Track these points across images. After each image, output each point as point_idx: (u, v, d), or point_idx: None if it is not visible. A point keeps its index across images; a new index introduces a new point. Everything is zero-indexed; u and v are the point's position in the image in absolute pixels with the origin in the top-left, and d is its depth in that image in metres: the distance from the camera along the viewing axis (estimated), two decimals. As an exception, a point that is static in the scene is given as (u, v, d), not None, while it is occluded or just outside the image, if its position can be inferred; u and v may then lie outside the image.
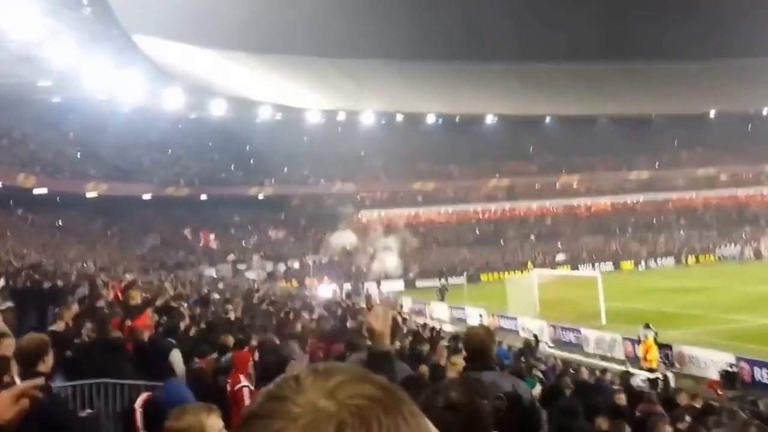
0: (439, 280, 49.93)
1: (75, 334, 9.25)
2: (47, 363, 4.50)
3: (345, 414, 0.83)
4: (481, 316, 31.34)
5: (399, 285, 51.21)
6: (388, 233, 62.35)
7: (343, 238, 44.92)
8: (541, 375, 11.73)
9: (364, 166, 65.71)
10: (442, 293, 39.29)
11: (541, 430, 3.99)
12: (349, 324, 17.81)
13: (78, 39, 33.05)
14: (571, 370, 15.50)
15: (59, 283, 17.05)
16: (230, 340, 9.25)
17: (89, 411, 6.08)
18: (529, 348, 19.18)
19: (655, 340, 20.05)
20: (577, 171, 71.10)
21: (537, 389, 9.24)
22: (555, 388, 10.06)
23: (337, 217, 56.00)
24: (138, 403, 4.30)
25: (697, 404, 11.06)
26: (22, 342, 4.61)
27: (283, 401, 0.86)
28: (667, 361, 20.17)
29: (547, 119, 71.90)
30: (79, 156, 48.90)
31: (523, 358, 16.10)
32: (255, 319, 15.49)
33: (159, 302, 15.00)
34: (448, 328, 27.20)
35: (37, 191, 39.56)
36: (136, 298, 12.60)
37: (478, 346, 3.90)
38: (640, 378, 16.47)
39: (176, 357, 9.03)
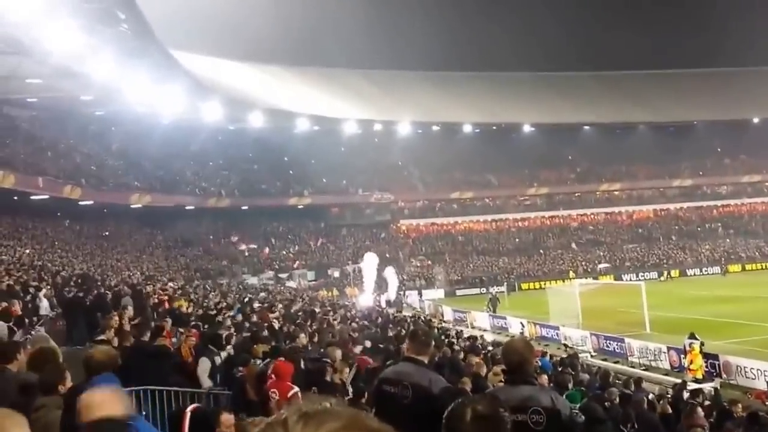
0: (487, 290, 49.73)
1: (120, 343, 9.45)
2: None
3: None
4: (522, 325, 31.11)
5: (440, 294, 51.09)
6: (426, 243, 62.39)
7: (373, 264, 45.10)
8: (583, 388, 11.57)
9: (402, 176, 65.84)
10: (493, 304, 38.08)
11: None
12: (390, 332, 17.84)
13: (117, 54, 33.78)
14: (616, 380, 15.22)
15: (106, 292, 17.41)
16: (270, 349, 9.34)
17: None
18: (572, 359, 18.90)
19: (701, 349, 19.63)
20: (618, 179, 70.19)
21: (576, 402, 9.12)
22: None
23: (376, 226, 56.19)
24: (189, 408, 4.41)
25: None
26: (94, 354, 4.63)
27: None
28: (714, 371, 19.74)
29: (585, 127, 71.13)
30: (122, 168, 49.98)
31: (566, 369, 15.88)
32: (296, 327, 15.60)
33: (201, 312, 15.25)
34: (490, 337, 26.99)
35: (83, 203, 40.49)
36: (183, 306, 12.81)
37: (516, 360, 3.81)
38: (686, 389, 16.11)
39: (203, 365, 9.15)
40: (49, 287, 16.64)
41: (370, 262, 44.97)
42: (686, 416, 9.71)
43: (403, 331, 17.39)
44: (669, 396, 13.73)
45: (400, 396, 4.05)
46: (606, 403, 10.20)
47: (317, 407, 0.85)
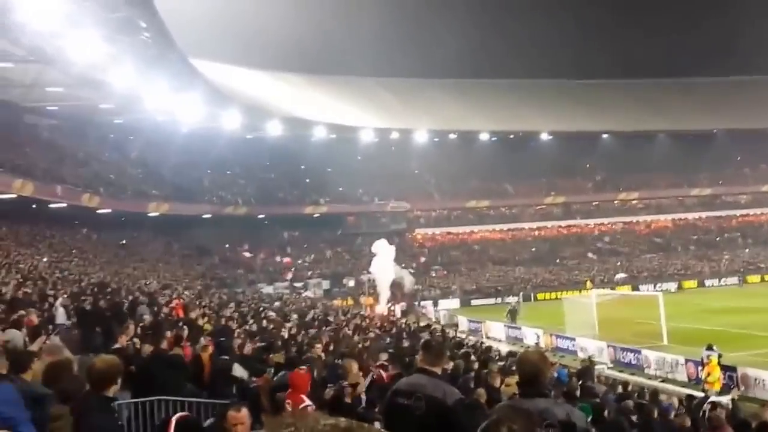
0: (503, 300, 49.64)
1: (136, 352, 9.51)
2: (117, 386, 4.44)
3: None
4: (537, 336, 30.90)
5: (455, 303, 50.90)
6: (441, 252, 62.23)
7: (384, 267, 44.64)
8: (597, 400, 11.46)
9: (418, 184, 65.79)
10: (513, 315, 37.57)
11: None
12: (404, 342, 17.80)
13: (137, 63, 34.19)
14: (634, 392, 15.07)
15: (122, 301, 17.52)
16: (285, 360, 9.35)
17: None
18: (587, 370, 18.73)
19: (718, 361, 19.39)
20: (636, 188, 69.69)
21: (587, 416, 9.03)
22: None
23: (392, 235, 56.13)
24: (175, 417, 4.39)
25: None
26: (96, 362, 4.56)
27: None
28: (731, 384, 19.48)
29: (604, 136, 70.77)
30: (141, 176, 50.38)
31: (580, 381, 15.74)
32: (310, 337, 15.62)
33: (216, 321, 15.31)
34: (504, 347, 26.83)
35: (101, 211, 40.82)
36: (197, 316, 12.86)
37: (531, 372, 3.73)
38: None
39: (238, 370, 9.20)
40: (66, 296, 16.76)
41: (381, 262, 44.40)
42: (711, 428, 9.55)
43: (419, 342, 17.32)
44: (683, 408, 13.55)
45: (414, 408, 4.02)
46: (633, 417, 10.11)
47: (341, 423, 0.87)
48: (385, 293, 43.88)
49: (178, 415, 4.48)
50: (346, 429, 0.82)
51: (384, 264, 44.08)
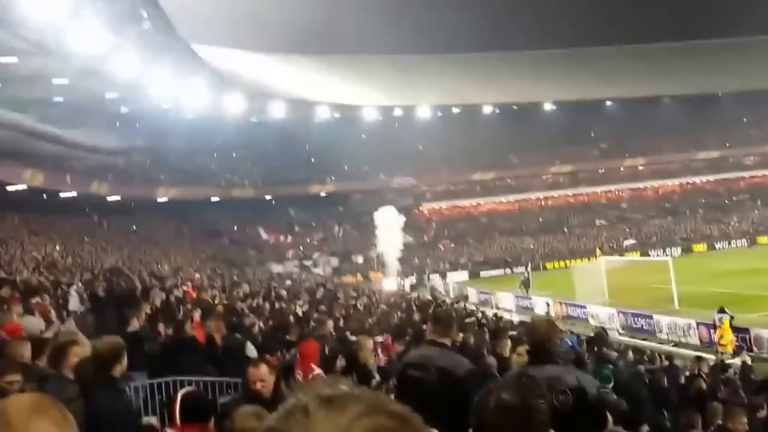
0: (512, 271, 49.72)
1: (151, 334, 9.67)
2: (123, 366, 4.53)
3: None
4: (548, 304, 31.05)
5: (463, 276, 51.11)
6: (449, 226, 62.34)
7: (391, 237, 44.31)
8: (611, 366, 11.58)
9: (423, 160, 65.68)
10: (525, 285, 36.97)
11: (608, 423, 3.90)
12: (415, 316, 17.95)
13: (140, 51, 34.26)
14: (645, 358, 15.19)
15: (135, 285, 17.72)
16: (298, 337, 9.49)
17: (151, 420, 6.31)
18: (601, 338, 18.81)
19: (730, 324, 19.47)
20: (642, 153, 69.29)
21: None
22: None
23: (399, 211, 56.23)
24: (181, 393, 4.48)
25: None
26: (97, 345, 4.66)
27: None
28: (744, 345, 19.58)
29: (608, 102, 70.30)
30: (148, 163, 50.58)
31: (595, 348, 15.84)
32: (320, 315, 15.78)
33: (228, 302, 15.47)
34: (515, 317, 27.00)
35: (110, 198, 41.09)
36: (209, 297, 13.01)
37: (540, 340, 3.80)
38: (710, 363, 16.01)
39: (251, 350, 9.35)
40: (80, 283, 16.94)
41: (388, 233, 43.80)
42: (731, 393, 9.63)
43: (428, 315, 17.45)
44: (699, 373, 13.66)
45: (426, 380, 4.05)
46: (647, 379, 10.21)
47: (338, 391, 0.85)
48: (393, 265, 43.83)
49: (184, 390, 4.58)
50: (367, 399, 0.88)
51: (390, 235, 43.79)
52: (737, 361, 17.04)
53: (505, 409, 1.96)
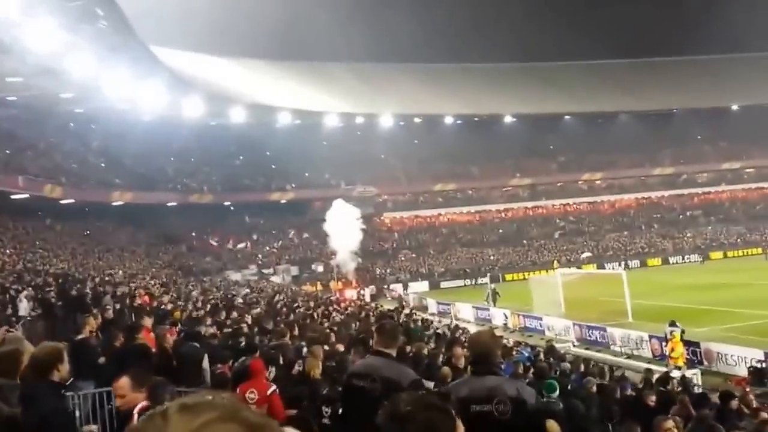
0: (475, 283, 49.87)
1: (101, 342, 9.41)
2: (62, 371, 4.39)
3: None
4: (506, 316, 31.27)
5: (424, 286, 51.22)
6: (409, 235, 62.46)
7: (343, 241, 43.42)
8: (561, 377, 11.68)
9: (385, 169, 65.81)
10: (493, 298, 35.96)
11: None
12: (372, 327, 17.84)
13: (96, 51, 33.62)
14: (591, 368, 15.36)
15: (87, 291, 17.31)
16: (246, 346, 9.34)
17: (92, 428, 6.14)
18: (551, 349, 19.03)
19: (681, 337, 19.81)
20: (600, 168, 70.61)
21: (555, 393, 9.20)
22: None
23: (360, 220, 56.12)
24: (137, 409, 4.35)
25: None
26: (35, 350, 4.55)
27: None
28: (695, 359, 19.95)
29: (566, 117, 71.46)
30: (103, 165, 49.63)
31: (546, 360, 15.99)
32: (278, 323, 15.60)
33: (183, 309, 15.19)
34: (473, 328, 27.08)
35: (64, 201, 40.16)
36: (164, 305, 12.75)
37: (481, 350, 3.87)
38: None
39: (206, 363, 9.16)
40: (30, 289, 16.48)
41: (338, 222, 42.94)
42: (680, 406, 9.74)
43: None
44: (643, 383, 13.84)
45: (370, 389, 4.07)
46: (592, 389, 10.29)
47: (197, 399, 0.90)
48: (345, 257, 43.22)
49: (140, 405, 4.44)
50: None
51: (340, 225, 42.76)
52: (688, 373, 17.33)
53: (402, 420, 1.98)
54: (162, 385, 4.63)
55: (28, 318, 14.01)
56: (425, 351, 11.55)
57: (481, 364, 3.83)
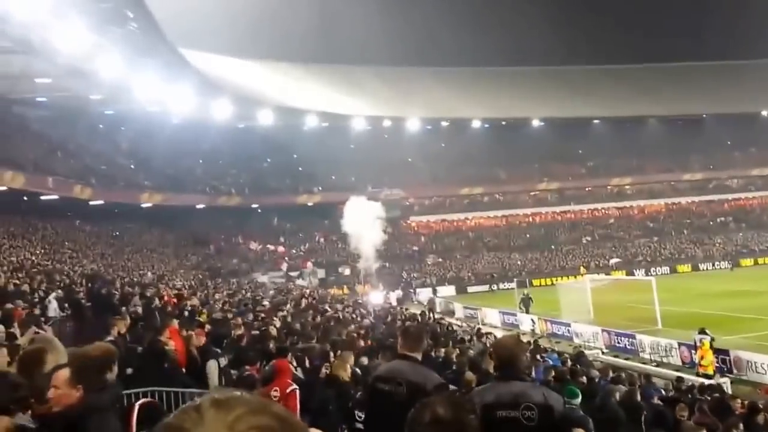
0: (497, 288, 49.50)
1: (128, 344, 9.45)
2: (113, 374, 4.34)
3: None
4: (533, 322, 30.99)
5: (450, 291, 51.01)
6: (436, 240, 62.28)
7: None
8: (584, 381, 11.49)
9: (412, 172, 65.73)
10: (526, 305, 35.13)
11: None
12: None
13: (126, 53, 34.02)
14: (622, 376, 15.11)
15: (114, 292, 17.45)
16: (276, 349, 9.32)
17: None
18: (580, 356, 18.79)
19: (711, 345, 19.47)
20: (629, 173, 69.84)
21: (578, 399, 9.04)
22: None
23: (386, 223, 56.01)
24: (139, 403, 4.32)
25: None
26: (89, 350, 4.51)
27: None
28: (724, 367, 19.58)
29: (595, 121, 70.83)
30: (132, 167, 50.17)
31: (574, 366, 15.76)
32: (304, 326, 15.61)
33: (210, 311, 15.24)
34: (500, 333, 26.89)
35: (93, 202, 40.64)
36: (191, 306, 12.80)
37: (506, 356, 3.82)
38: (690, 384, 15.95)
39: (211, 367, 9.12)
40: (59, 290, 16.63)
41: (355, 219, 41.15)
42: (700, 415, 9.58)
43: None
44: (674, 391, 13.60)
45: (395, 393, 4.07)
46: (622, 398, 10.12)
47: (228, 395, 0.94)
48: (368, 253, 42.38)
49: (141, 400, 4.42)
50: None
51: (358, 220, 40.95)
52: (699, 381, 16.98)
53: (439, 423, 2.01)
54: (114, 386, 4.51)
55: (57, 319, 14.15)
56: (453, 356, 11.45)
57: (506, 369, 3.79)
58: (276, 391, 6.51)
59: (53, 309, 14.19)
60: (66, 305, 14.92)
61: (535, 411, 3.53)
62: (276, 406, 0.96)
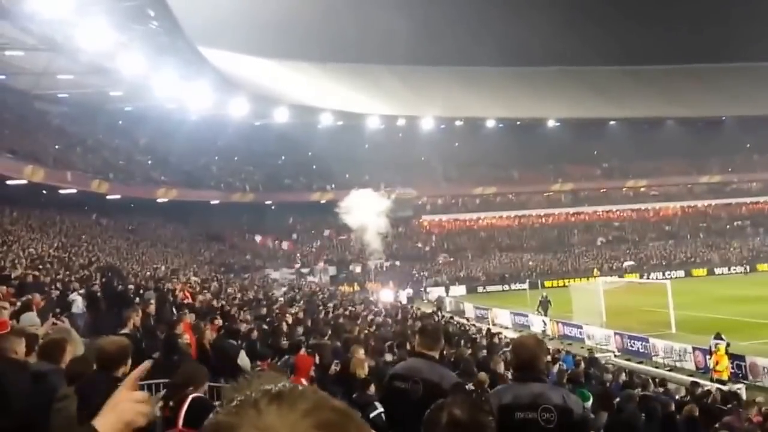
0: (507, 286, 49.29)
1: (143, 336, 9.55)
2: (127, 368, 4.37)
3: None
4: (544, 323, 30.88)
5: (461, 290, 50.93)
6: (448, 239, 62.23)
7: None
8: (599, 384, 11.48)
9: (425, 171, 65.67)
10: (544, 308, 34.05)
11: None
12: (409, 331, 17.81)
13: (147, 51, 34.34)
14: (634, 380, 15.07)
15: (131, 286, 17.61)
16: (289, 345, 9.39)
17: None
18: (592, 359, 18.73)
19: (726, 350, 19.32)
20: (645, 175, 69.33)
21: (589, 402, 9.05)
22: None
23: (398, 222, 56.01)
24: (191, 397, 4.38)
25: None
26: (103, 343, 4.59)
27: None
28: (740, 372, 19.44)
29: (611, 122, 70.37)
30: (150, 163, 50.52)
31: (590, 368, 15.72)
32: (316, 322, 15.69)
33: (223, 306, 15.33)
34: (510, 334, 26.82)
35: (110, 197, 41.00)
36: (204, 301, 12.89)
37: (527, 356, 3.75)
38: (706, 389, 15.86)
39: (244, 358, 9.23)
40: (83, 289, 16.70)
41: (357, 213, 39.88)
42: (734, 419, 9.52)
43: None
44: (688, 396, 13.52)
45: (411, 392, 4.06)
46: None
47: (284, 388, 0.88)
48: (370, 239, 41.78)
49: (192, 395, 4.48)
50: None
51: (360, 214, 39.78)
52: (715, 387, 16.87)
53: (456, 425, 2.00)
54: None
55: (82, 314, 14.34)
56: (466, 355, 11.46)
57: (525, 370, 3.74)
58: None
59: (77, 306, 14.35)
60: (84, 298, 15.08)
61: (554, 413, 3.49)
62: (335, 400, 0.91)
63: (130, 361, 4.49)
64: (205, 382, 5.03)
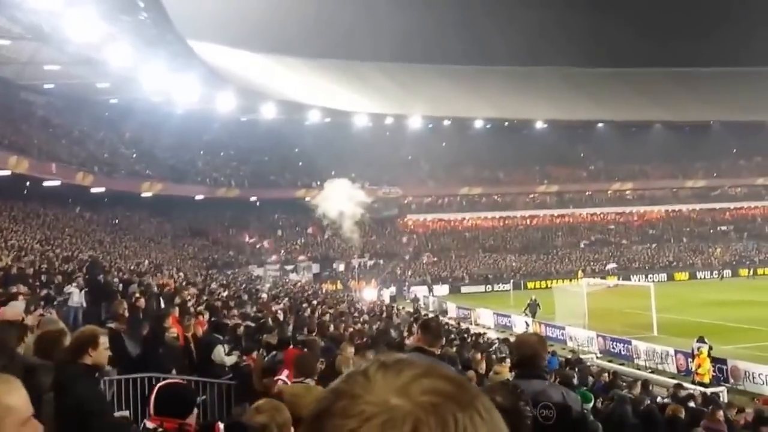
0: (489, 287, 49.41)
1: (127, 330, 9.47)
2: (94, 356, 4.26)
3: (420, 412, 0.79)
4: (527, 324, 30.97)
5: (444, 290, 51.00)
6: (432, 238, 62.29)
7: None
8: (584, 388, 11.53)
9: (411, 170, 65.68)
10: (533, 311, 33.26)
11: None
12: (392, 329, 17.83)
13: (135, 43, 34.05)
14: (620, 382, 15.13)
15: (114, 279, 17.48)
16: (277, 341, 9.35)
17: (123, 414, 6.16)
18: (579, 360, 18.79)
19: (709, 354, 19.48)
20: (630, 178, 69.76)
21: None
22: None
23: (383, 221, 56.05)
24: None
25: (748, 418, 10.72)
26: (75, 333, 4.62)
27: (354, 399, 0.82)
28: (721, 376, 19.61)
29: (599, 125, 70.72)
30: (134, 156, 50.15)
31: (575, 369, 15.78)
32: (300, 319, 15.64)
33: (207, 303, 15.25)
34: (493, 335, 26.89)
35: (94, 190, 40.65)
36: (187, 296, 12.83)
37: (529, 353, 3.78)
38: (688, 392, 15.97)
39: (218, 352, 9.19)
40: (80, 280, 16.54)
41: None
42: (708, 419, 9.60)
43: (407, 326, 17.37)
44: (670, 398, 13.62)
45: None
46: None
47: (394, 358, 0.89)
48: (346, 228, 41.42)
49: (163, 382, 4.39)
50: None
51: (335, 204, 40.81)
52: (698, 390, 16.97)
53: (500, 412, 1.94)
54: None
55: (82, 307, 14.27)
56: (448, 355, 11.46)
57: (526, 367, 3.76)
58: (287, 381, 6.47)
59: (75, 299, 14.29)
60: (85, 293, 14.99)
61: (552, 410, 3.51)
62: (445, 367, 0.91)
63: (102, 350, 4.34)
64: None
